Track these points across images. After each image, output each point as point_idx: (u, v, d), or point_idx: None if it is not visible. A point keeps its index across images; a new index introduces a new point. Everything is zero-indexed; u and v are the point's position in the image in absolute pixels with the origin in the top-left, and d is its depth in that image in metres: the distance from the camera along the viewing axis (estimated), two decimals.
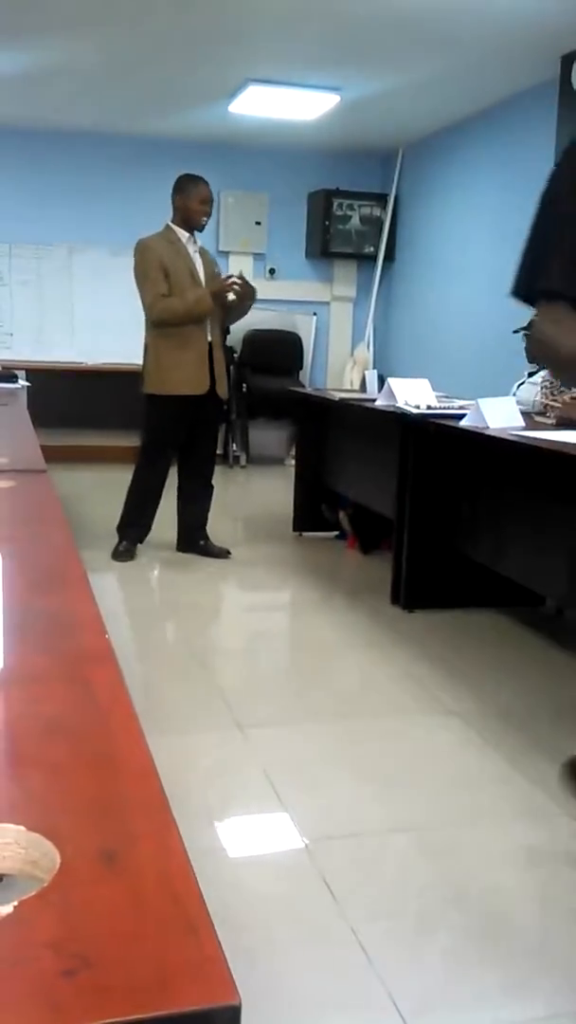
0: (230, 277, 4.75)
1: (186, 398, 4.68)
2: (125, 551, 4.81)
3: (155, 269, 4.62)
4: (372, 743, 2.85)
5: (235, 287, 4.66)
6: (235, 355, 7.89)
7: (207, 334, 4.69)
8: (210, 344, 4.71)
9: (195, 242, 4.75)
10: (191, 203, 4.64)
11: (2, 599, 0.94)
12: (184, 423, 4.78)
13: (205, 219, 4.71)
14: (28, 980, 0.52)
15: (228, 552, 4.90)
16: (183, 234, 4.70)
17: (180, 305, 4.59)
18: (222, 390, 4.77)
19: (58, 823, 0.68)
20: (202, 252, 4.81)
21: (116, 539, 4.85)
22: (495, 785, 2.58)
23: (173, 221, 4.72)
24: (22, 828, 0.67)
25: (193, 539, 4.95)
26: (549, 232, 1.69)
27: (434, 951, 1.87)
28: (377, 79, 6.08)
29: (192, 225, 4.69)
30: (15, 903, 0.58)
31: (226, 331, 5.06)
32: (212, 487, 4.99)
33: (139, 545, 4.89)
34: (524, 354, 4.81)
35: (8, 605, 0.97)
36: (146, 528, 4.89)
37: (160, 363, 4.71)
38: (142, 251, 4.68)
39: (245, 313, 4.89)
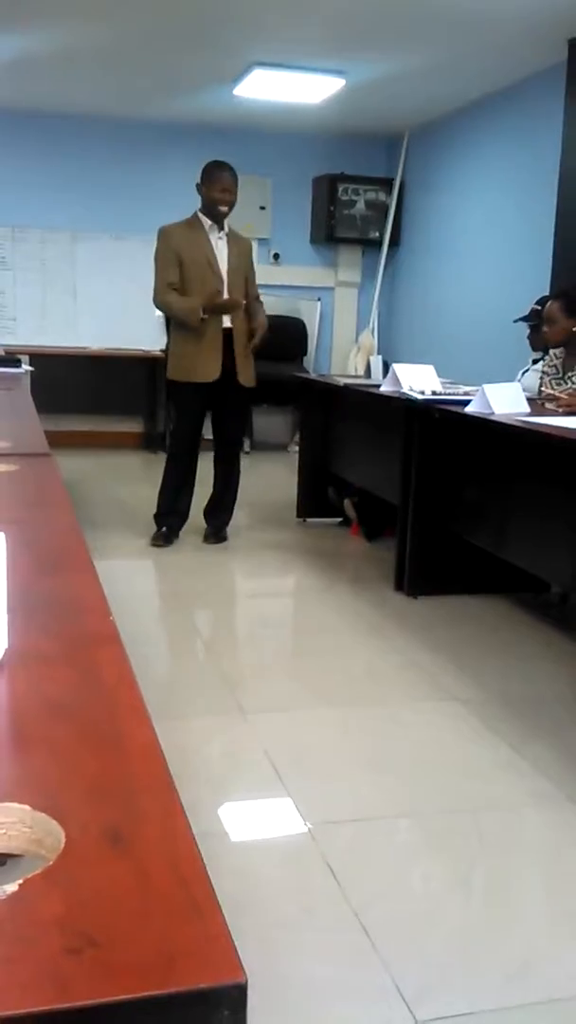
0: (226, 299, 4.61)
1: (200, 385, 4.66)
2: (157, 536, 4.81)
3: (166, 257, 4.62)
4: (375, 729, 2.85)
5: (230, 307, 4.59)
6: None
7: (223, 322, 4.62)
8: (230, 332, 4.64)
9: (221, 230, 4.65)
10: (212, 191, 4.57)
11: (7, 581, 0.93)
12: (200, 409, 4.79)
13: (224, 208, 4.60)
14: (34, 959, 0.52)
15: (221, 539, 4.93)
16: (207, 222, 4.64)
17: (176, 307, 4.61)
18: (243, 378, 4.70)
19: (63, 802, 0.68)
20: (232, 239, 4.70)
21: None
22: (498, 771, 2.59)
23: (200, 209, 4.67)
24: (27, 807, 0.67)
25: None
26: None
27: (437, 936, 1.87)
28: (382, 63, 6.04)
29: (213, 213, 4.61)
30: (20, 882, 0.58)
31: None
32: (237, 473, 4.97)
33: (172, 530, 4.87)
34: (527, 341, 4.82)
35: (13, 587, 0.97)
36: (177, 515, 4.87)
37: (176, 350, 4.73)
38: (160, 237, 4.67)
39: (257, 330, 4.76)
